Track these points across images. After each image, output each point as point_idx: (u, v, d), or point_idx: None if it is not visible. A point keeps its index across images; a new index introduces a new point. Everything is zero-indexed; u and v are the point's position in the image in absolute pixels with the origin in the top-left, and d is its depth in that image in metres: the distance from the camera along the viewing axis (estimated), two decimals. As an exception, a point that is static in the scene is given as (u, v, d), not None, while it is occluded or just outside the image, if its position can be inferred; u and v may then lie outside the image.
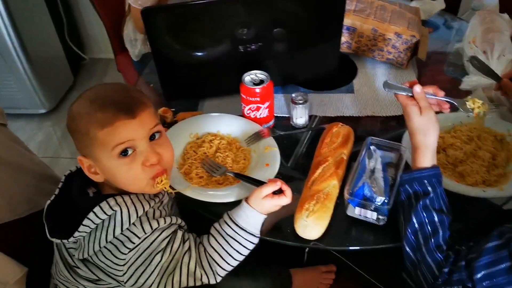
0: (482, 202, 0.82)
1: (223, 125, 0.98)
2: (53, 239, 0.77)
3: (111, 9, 1.59)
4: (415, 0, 1.32)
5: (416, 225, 0.73)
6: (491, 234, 0.69)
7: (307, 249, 1.08)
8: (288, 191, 0.79)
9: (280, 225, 0.84)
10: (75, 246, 0.78)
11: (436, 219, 0.73)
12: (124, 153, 0.73)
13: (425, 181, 0.74)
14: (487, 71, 0.98)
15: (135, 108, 0.74)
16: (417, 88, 0.78)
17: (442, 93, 0.80)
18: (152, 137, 0.76)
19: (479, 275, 0.67)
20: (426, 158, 0.76)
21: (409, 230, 0.74)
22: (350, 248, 0.82)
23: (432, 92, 0.80)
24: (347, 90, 1.10)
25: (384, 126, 1.02)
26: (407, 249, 0.74)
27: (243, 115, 1.00)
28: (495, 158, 0.89)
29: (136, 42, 1.54)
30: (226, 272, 0.80)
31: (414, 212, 0.74)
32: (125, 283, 0.77)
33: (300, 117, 1.01)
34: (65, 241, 0.76)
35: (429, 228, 0.73)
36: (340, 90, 1.10)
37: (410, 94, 0.79)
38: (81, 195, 0.79)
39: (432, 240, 0.72)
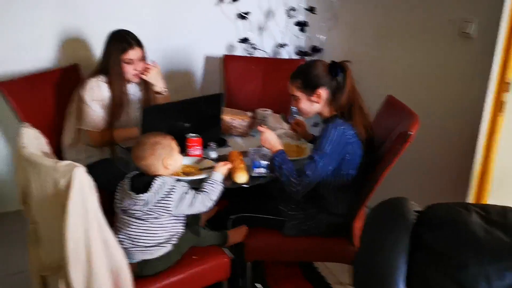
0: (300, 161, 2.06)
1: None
2: (140, 195, 1.69)
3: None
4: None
5: (285, 172, 1.89)
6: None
7: (231, 221, 2.10)
8: (228, 163, 1.91)
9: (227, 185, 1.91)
10: (140, 204, 1.70)
11: (290, 166, 1.91)
12: None
13: (282, 155, 1.94)
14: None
15: None
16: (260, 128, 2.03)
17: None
18: None
19: (307, 172, 1.87)
20: (278, 147, 1.97)
21: (284, 174, 1.89)
22: (257, 183, 1.95)
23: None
24: (227, 145, 2.29)
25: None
26: (285, 181, 1.89)
27: (188, 155, 2.07)
28: (298, 150, 2.17)
29: (80, 161, 2.42)
30: (215, 201, 1.81)
31: (283, 166, 1.90)
32: (173, 212, 1.72)
33: (213, 153, 2.13)
34: (138, 196, 1.70)
35: (289, 171, 1.89)
36: (224, 146, 2.29)
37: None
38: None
39: (292, 173, 1.89)
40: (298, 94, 1.97)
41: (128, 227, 1.75)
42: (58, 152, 2.50)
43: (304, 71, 1.96)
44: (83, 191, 1.42)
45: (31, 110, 2.43)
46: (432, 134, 2.43)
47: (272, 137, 2.01)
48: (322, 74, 1.92)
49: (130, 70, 2.34)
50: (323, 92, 1.93)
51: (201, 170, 1.97)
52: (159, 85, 2.43)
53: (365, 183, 1.96)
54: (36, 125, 2.37)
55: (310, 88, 1.93)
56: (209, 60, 3.30)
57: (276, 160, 1.94)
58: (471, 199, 2.28)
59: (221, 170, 1.89)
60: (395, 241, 1.35)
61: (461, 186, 2.30)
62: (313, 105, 1.97)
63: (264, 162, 1.96)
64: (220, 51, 3.29)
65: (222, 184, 1.86)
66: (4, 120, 2.75)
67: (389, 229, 1.37)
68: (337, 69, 1.91)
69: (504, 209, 1.35)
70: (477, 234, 1.28)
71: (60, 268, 1.53)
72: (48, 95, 2.58)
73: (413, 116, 1.93)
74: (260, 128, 2.04)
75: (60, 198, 1.44)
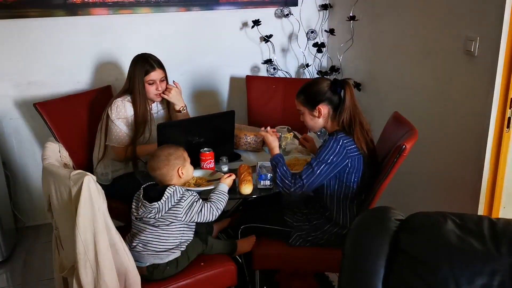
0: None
1: (195, 173, 2.18)
2: (153, 203, 1.84)
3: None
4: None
5: (279, 173, 2.00)
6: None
7: (240, 231, 2.21)
8: (232, 175, 2.03)
9: (231, 196, 2.03)
10: (153, 212, 1.84)
11: (285, 168, 2.02)
12: None
13: (278, 158, 2.05)
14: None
15: None
16: (262, 132, 2.16)
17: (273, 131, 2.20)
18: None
19: (303, 176, 1.96)
20: (275, 151, 2.09)
21: (278, 175, 2.00)
22: (262, 194, 2.06)
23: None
24: (239, 160, 2.42)
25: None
26: (279, 183, 2.00)
27: (202, 168, 2.22)
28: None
29: (107, 175, 2.63)
30: (221, 211, 1.93)
31: (277, 168, 2.01)
32: (182, 219, 1.86)
33: (225, 167, 2.26)
34: (152, 204, 1.84)
35: (283, 173, 2.00)
36: (237, 160, 2.41)
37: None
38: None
39: (287, 175, 1.99)
40: (302, 109, 2.08)
41: (142, 233, 1.90)
42: (91, 166, 2.71)
43: (307, 88, 2.07)
44: (91, 197, 1.58)
45: (66, 128, 2.65)
46: (442, 149, 2.46)
47: (271, 141, 2.14)
48: (324, 91, 2.02)
49: (152, 90, 2.53)
50: (323, 108, 2.03)
51: (209, 181, 2.10)
52: (180, 104, 2.60)
53: (367, 195, 2.03)
54: (70, 142, 2.62)
55: (311, 104, 2.04)
56: (234, 80, 3.47)
57: (272, 162, 2.07)
58: (481, 213, 2.28)
59: (226, 181, 2.01)
60: (374, 246, 1.42)
61: (471, 200, 2.30)
62: (316, 120, 2.06)
63: (269, 175, 2.07)
64: (245, 72, 3.45)
65: (227, 194, 1.98)
66: (45, 138, 2.99)
67: (369, 236, 1.45)
68: (337, 86, 2.00)
69: (480, 219, 1.40)
70: (450, 240, 1.33)
71: (74, 268, 1.69)
72: (82, 115, 2.81)
73: (413, 131, 1.99)
74: (262, 132, 2.18)
75: (73, 204, 1.61)
